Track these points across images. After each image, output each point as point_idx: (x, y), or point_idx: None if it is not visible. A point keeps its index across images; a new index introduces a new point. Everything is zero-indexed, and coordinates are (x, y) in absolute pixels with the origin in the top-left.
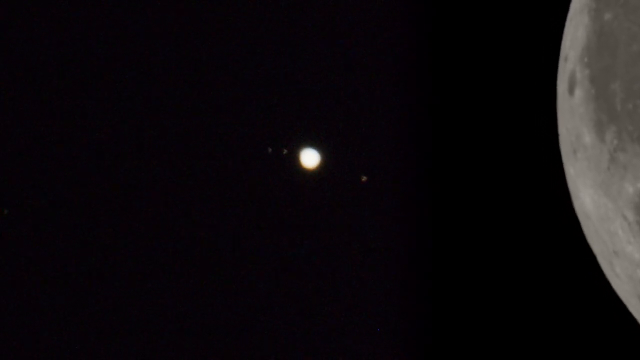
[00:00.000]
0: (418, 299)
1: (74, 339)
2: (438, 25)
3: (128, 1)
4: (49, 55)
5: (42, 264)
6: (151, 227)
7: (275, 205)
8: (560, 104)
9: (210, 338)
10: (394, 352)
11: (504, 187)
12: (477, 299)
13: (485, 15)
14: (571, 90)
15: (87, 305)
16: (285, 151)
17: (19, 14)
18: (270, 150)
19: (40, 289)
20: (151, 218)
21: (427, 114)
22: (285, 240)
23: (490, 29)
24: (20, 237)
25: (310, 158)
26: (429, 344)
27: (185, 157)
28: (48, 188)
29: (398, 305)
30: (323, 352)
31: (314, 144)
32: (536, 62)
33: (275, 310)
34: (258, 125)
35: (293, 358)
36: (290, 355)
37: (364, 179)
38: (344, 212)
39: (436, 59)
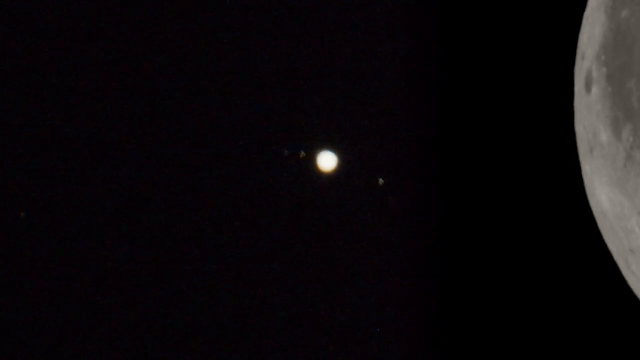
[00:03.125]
0: (433, 300)
1: (85, 339)
2: (455, 23)
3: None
4: (65, 62)
5: (58, 265)
6: (165, 229)
7: (292, 207)
8: (577, 101)
9: (215, 337)
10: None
11: (520, 186)
12: (492, 297)
13: (501, 13)
14: (588, 88)
15: (104, 305)
16: (302, 154)
17: (19, 13)
18: (287, 152)
19: (56, 290)
20: (165, 220)
21: (443, 114)
22: (301, 242)
23: (506, 27)
24: (36, 240)
25: (327, 161)
26: (446, 344)
27: (201, 159)
28: (63, 191)
29: (410, 307)
30: (332, 352)
31: (331, 147)
32: (553, 60)
33: (285, 311)
34: (275, 128)
35: (298, 357)
36: (294, 355)
37: (381, 181)
38: (360, 215)
39: (453, 58)
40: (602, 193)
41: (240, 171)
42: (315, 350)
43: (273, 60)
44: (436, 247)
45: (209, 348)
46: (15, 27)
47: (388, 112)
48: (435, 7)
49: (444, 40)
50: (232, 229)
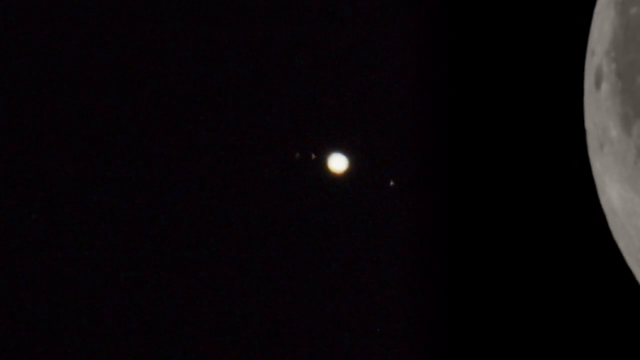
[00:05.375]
0: (444, 300)
1: (93, 339)
2: (465, 22)
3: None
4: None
5: (70, 267)
6: (176, 231)
7: (302, 209)
8: (587, 98)
9: (217, 336)
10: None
11: (531, 183)
12: (501, 296)
13: (511, 10)
14: (598, 85)
15: (119, 306)
16: (313, 156)
17: (19, 13)
18: (298, 155)
19: (69, 292)
20: (175, 222)
21: (453, 114)
22: (313, 244)
23: (516, 24)
24: (47, 241)
25: (338, 163)
26: (452, 345)
27: (211, 162)
28: (73, 192)
29: (419, 307)
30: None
31: (342, 149)
32: (563, 57)
33: (292, 311)
34: (286, 130)
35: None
36: (299, 354)
37: (392, 183)
38: (371, 216)
39: (462, 57)
40: (612, 190)
41: (251, 174)
42: (319, 350)
43: (284, 62)
44: (446, 247)
45: (213, 347)
46: (15, 27)
47: (399, 114)
48: (444, 7)
49: (453, 40)
50: (243, 231)
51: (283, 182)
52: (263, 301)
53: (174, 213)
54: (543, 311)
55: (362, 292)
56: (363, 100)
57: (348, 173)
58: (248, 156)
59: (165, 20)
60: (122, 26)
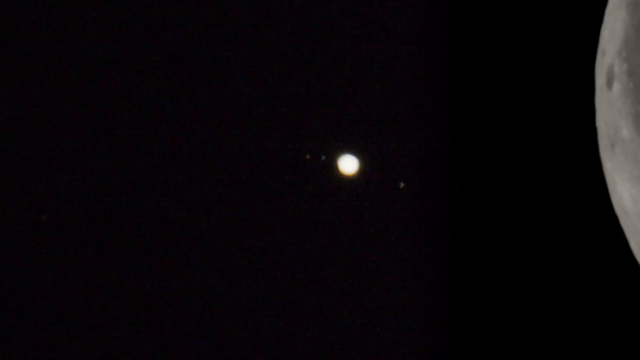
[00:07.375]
0: (453, 301)
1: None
2: (474, 21)
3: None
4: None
5: (81, 268)
6: (185, 233)
7: (313, 211)
8: (598, 98)
9: (220, 335)
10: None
11: (542, 182)
12: (511, 297)
13: (522, 9)
14: (609, 84)
15: (131, 307)
16: (323, 157)
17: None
18: (308, 156)
19: (81, 293)
20: (184, 224)
21: (463, 115)
22: (322, 246)
23: (528, 23)
24: (58, 243)
25: (348, 164)
26: (459, 347)
27: (221, 163)
28: (83, 194)
29: (428, 309)
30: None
31: (352, 151)
32: (574, 57)
33: (300, 312)
34: (296, 132)
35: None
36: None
37: (402, 185)
38: (381, 218)
39: (473, 57)
40: (623, 190)
41: (261, 175)
42: (326, 350)
43: (294, 64)
44: (456, 248)
45: (214, 346)
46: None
47: (409, 116)
48: (454, 6)
49: (463, 40)
50: (252, 232)
51: (293, 183)
52: (270, 301)
53: (182, 214)
54: (554, 311)
55: (370, 293)
56: (373, 102)
57: (358, 174)
58: (258, 157)
59: (186, 16)
60: (133, 26)
